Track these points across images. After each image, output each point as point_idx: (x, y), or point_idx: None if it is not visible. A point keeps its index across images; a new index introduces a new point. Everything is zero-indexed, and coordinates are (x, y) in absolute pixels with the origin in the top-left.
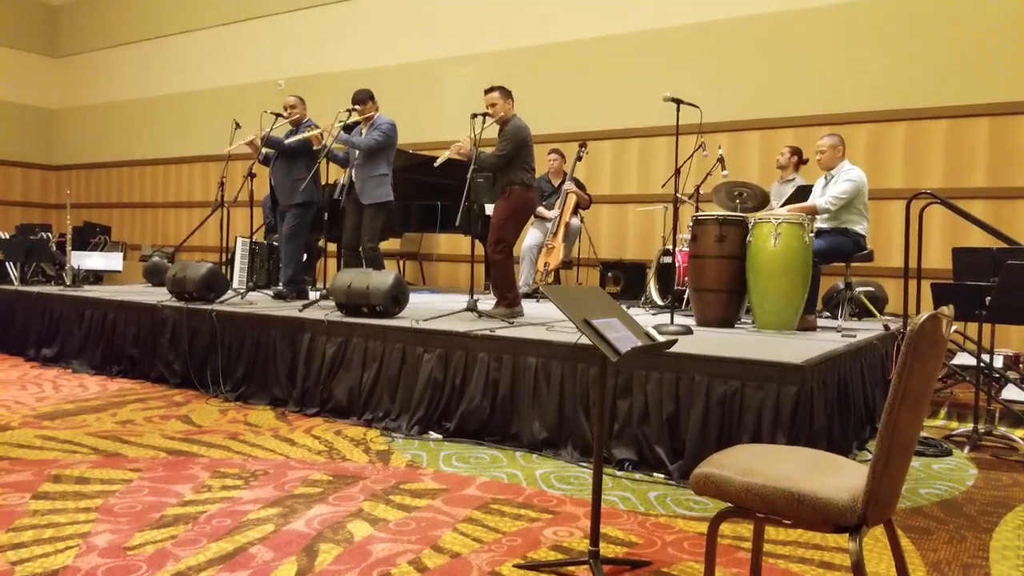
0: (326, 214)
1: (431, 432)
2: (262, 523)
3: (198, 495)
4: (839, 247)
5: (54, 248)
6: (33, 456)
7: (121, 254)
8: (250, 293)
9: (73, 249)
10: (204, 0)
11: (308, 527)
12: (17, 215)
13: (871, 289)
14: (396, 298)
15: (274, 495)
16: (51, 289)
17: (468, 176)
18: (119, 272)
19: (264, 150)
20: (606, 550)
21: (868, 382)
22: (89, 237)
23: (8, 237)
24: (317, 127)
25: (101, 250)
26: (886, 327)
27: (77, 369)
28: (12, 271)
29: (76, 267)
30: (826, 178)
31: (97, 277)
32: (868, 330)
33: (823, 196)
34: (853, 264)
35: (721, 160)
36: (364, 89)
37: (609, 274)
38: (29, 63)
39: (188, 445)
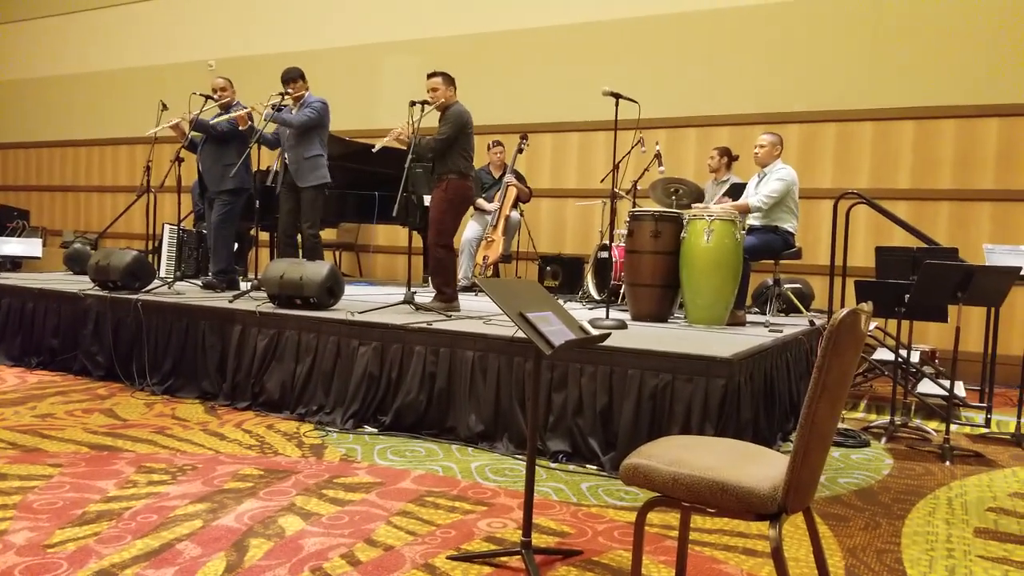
0: (257, 201)
1: (366, 426)
2: (190, 519)
3: (123, 491)
4: (769, 244)
5: None
6: None
7: (40, 240)
8: (178, 283)
9: None
10: None
11: (238, 522)
12: None
13: (798, 286)
14: (331, 289)
15: (203, 490)
16: None
17: (406, 166)
18: (38, 259)
19: (191, 134)
20: (539, 540)
21: (793, 376)
22: (6, 221)
23: None
24: (244, 107)
25: (19, 235)
26: (811, 323)
27: None
28: None
29: None
30: (759, 176)
31: (15, 264)
32: (794, 326)
33: (756, 195)
34: (782, 261)
35: (658, 156)
36: (294, 67)
37: (548, 268)
38: None
39: (112, 440)
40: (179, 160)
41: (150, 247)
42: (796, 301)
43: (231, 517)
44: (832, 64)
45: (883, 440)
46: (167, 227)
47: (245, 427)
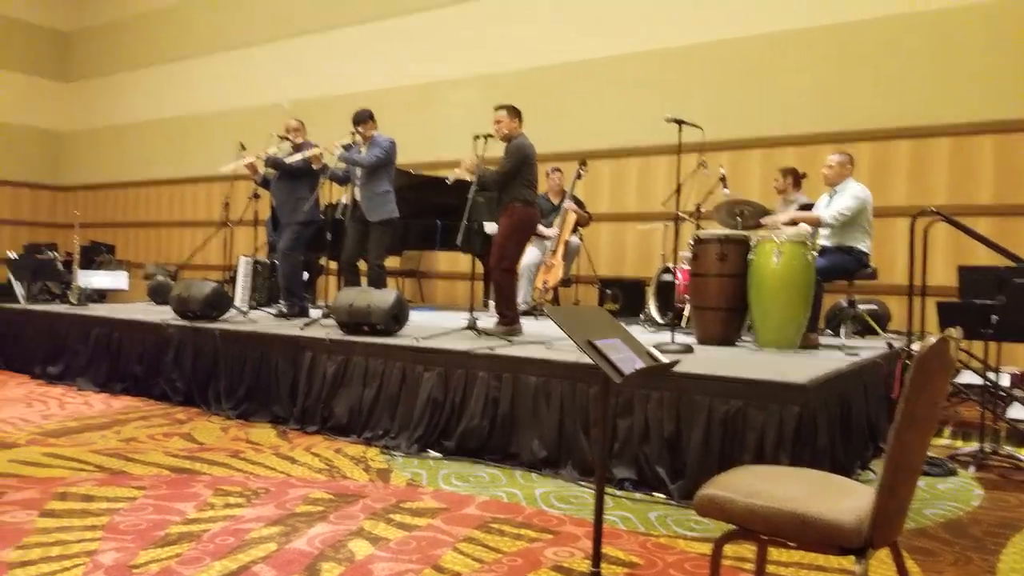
0: (329, 234)
1: (430, 450)
2: (264, 541)
3: (201, 513)
4: (842, 265)
5: (60, 267)
6: (40, 474)
7: (126, 273)
8: (252, 311)
9: (79, 268)
10: (208, 26)
11: (310, 546)
12: (25, 234)
13: (874, 307)
14: (396, 316)
15: (276, 513)
16: (57, 307)
17: (469, 195)
18: (124, 291)
19: (263, 171)
20: (607, 571)
21: (871, 401)
22: (95, 256)
23: (16, 257)
24: (317, 146)
25: (106, 269)
26: (889, 345)
27: (82, 387)
28: (19, 290)
29: (82, 286)
30: (830, 195)
31: (102, 295)
32: (871, 348)
33: (829, 209)
34: (857, 282)
35: (723, 179)
36: (364, 109)
37: (608, 292)
38: (40, 87)
39: (191, 463)
40: (255, 196)
41: (227, 278)
42: (872, 323)
43: (303, 541)
44: (903, 79)
45: (971, 469)
46: (242, 259)
47: (315, 451)
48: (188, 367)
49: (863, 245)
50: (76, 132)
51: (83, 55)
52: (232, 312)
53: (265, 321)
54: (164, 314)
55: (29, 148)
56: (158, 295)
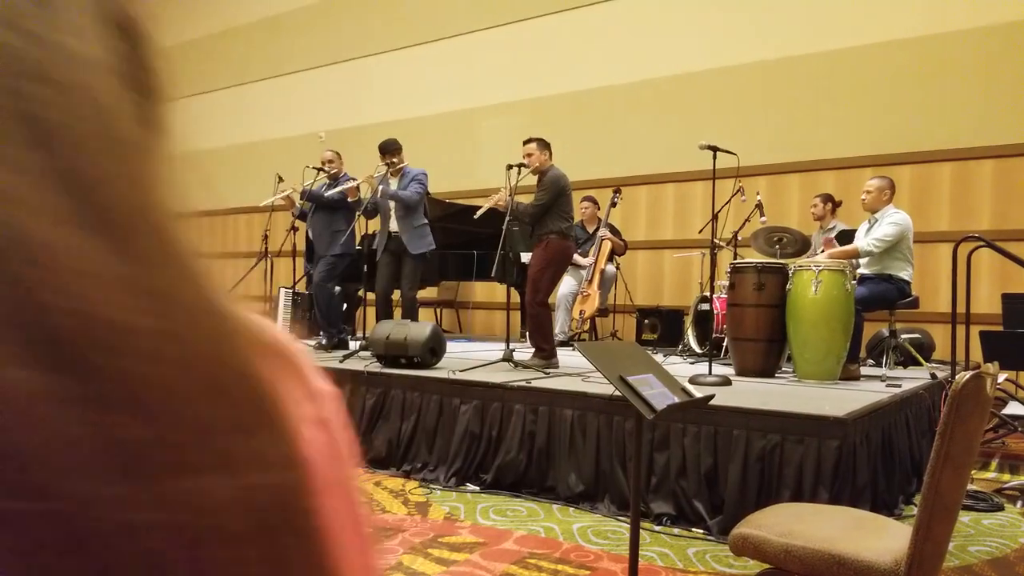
0: (366, 266)
1: (468, 484)
2: None
3: None
4: (882, 294)
5: None
6: None
7: None
8: None
9: None
10: (246, 56)
11: None
12: None
13: (917, 336)
14: (433, 349)
15: None
16: None
17: (504, 226)
18: None
19: (299, 203)
20: None
21: (914, 434)
22: None
23: None
24: (354, 179)
25: None
26: (933, 376)
27: None
28: None
29: None
30: (869, 222)
31: None
32: (914, 379)
33: (865, 239)
34: (898, 310)
35: (759, 206)
36: (392, 139)
37: (646, 321)
38: None
39: None
40: (294, 229)
41: (267, 309)
42: (915, 353)
43: None
44: (943, 101)
45: (1019, 504)
46: (283, 291)
47: None
48: None
49: (904, 273)
50: None
51: None
52: None
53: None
54: None
55: None
56: None
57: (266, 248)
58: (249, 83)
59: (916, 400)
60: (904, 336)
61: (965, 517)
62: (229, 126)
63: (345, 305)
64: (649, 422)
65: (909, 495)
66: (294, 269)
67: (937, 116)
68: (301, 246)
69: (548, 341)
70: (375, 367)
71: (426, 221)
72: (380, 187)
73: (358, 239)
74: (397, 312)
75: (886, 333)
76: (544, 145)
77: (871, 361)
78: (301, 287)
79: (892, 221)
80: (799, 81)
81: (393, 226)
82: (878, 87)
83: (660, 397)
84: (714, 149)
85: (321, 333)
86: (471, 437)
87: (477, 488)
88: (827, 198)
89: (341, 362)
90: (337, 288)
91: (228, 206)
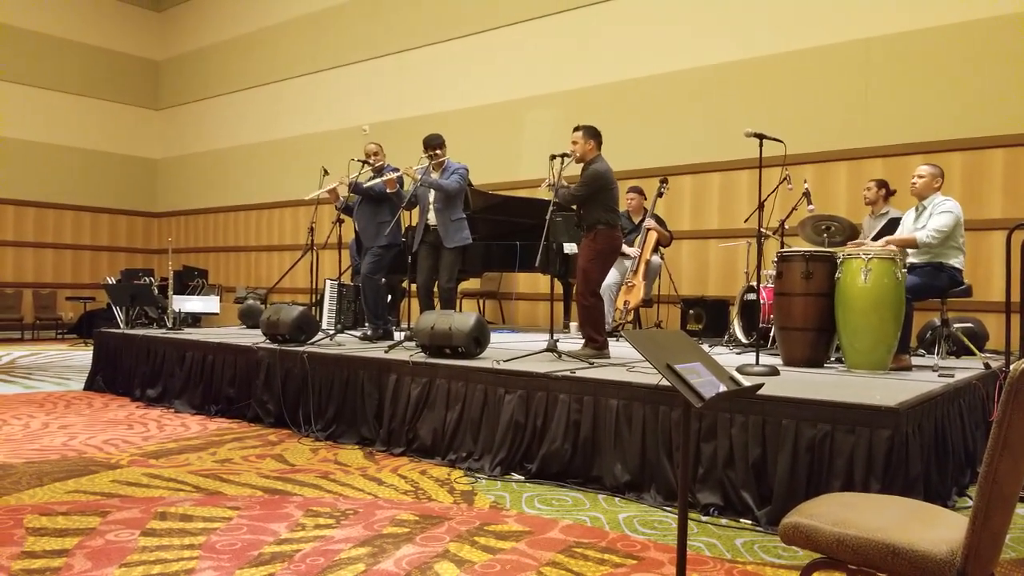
0: (410, 257)
1: (513, 473)
2: (353, 562)
3: (293, 533)
4: (933, 283)
5: (156, 292)
6: (141, 494)
7: (218, 297)
8: (339, 335)
9: (173, 293)
10: (291, 52)
11: (397, 567)
12: (122, 260)
13: (970, 325)
14: (477, 339)
15: (364, 534)
16: (154, 332)
17: (547, 216)
18: (216, 314)
19: (343, 196)
20: None
21: (968, 425)
22: (188, 280)
23: (115, 282)
24: (397, 170)
25: (199, 293)
26: (987, 365)
27: (179, 409)
28: (118, 314)
29: (177, 310)
30: (917, 209)
31: (195, 319)
32: (967, 369)
33: (924, 229)
34: (950, 299)
35: (807, 194)
36: (437, 134)
37: (691, 312)
38: (134, 116)
39: (282, 484)
40: (339, 221)
41: (313, 300)
42: (968, 342)
43: (390, 562)
44: (995, 86)
45: None
46: (329, 282)
47: (401, 472)
48: (278, 389)
49: (956, 261)
50: (168, 159)
51: (173, 83)
52: (319, 335)
53: (351, 344)
54: (255, 337)
55: (124, 175)
56: (248, 318)
57: (312, 240)
58: (295, 77)
59: (970, 390)
60: (957, 325)
61: (1021, 510)
62: (275, 120)
63: (390, 296)
64: (696, 411)
65: (963, 487)
66: (339, 261)
67: (987, 102)
68: (346, 239)
69: (600, 332)
70: (420, 357)
71: (464, 216)
72: (421, 176)
73: (403, 230)
74: (438, 305)
75: (938, 322)
76: (591, 134)
77: (922, 351)
78: (346, 279)
79: (945, 209)
80: (846, 68)
81: (431, 219)
82: (926, 73)
83: (708, 385)
84: (760, 137)
85: (367, 324)
86: (516, 427)
87: (522, 477)
88: (881, 183)
89: (387, 352)
90: (382, 280)
91: (276, 199)
